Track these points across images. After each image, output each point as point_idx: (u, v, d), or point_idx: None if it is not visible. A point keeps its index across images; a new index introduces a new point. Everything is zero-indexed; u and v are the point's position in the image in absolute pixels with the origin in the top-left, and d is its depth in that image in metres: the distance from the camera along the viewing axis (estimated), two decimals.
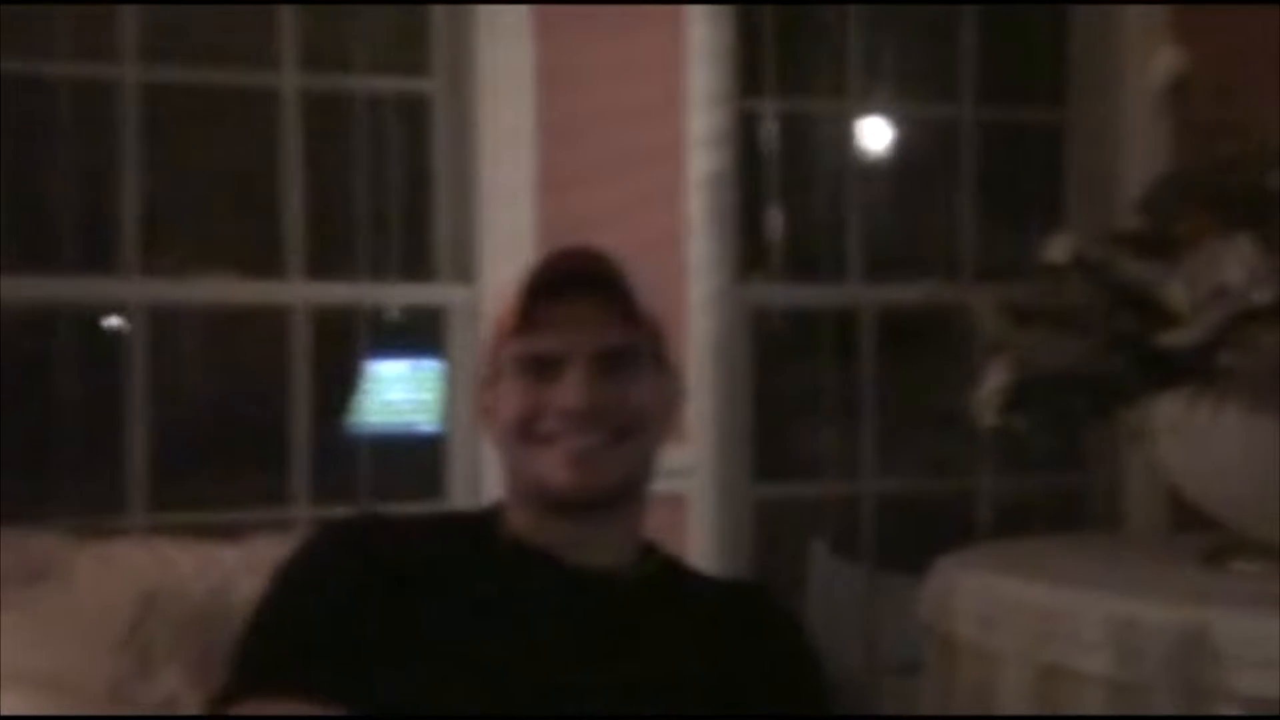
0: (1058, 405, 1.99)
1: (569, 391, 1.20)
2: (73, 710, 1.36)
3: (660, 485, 1.32)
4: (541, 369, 1.22)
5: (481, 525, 1.32)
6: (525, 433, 1.22)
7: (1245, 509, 1.84)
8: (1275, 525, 1.81)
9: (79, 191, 2.12)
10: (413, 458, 2.49)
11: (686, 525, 2.27)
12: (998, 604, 1.78)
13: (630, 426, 1.23)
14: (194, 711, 1.39)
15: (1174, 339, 1.82)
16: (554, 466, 1.21)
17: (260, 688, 1.10)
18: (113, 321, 2.13)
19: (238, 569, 1.55)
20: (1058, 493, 2.76)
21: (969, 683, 1.84)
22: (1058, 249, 2.00)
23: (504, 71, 2.18)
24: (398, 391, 2.61)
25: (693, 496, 2.28)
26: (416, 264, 2.30)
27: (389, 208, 2.29)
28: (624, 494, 1.26)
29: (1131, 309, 1.91)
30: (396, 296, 2.27)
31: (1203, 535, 1.95)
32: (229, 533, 1.67)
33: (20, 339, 2.15)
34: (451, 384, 2.29)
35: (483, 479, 2.18)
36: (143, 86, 2.12)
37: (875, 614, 2.59)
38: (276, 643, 1.15)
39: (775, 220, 2.53)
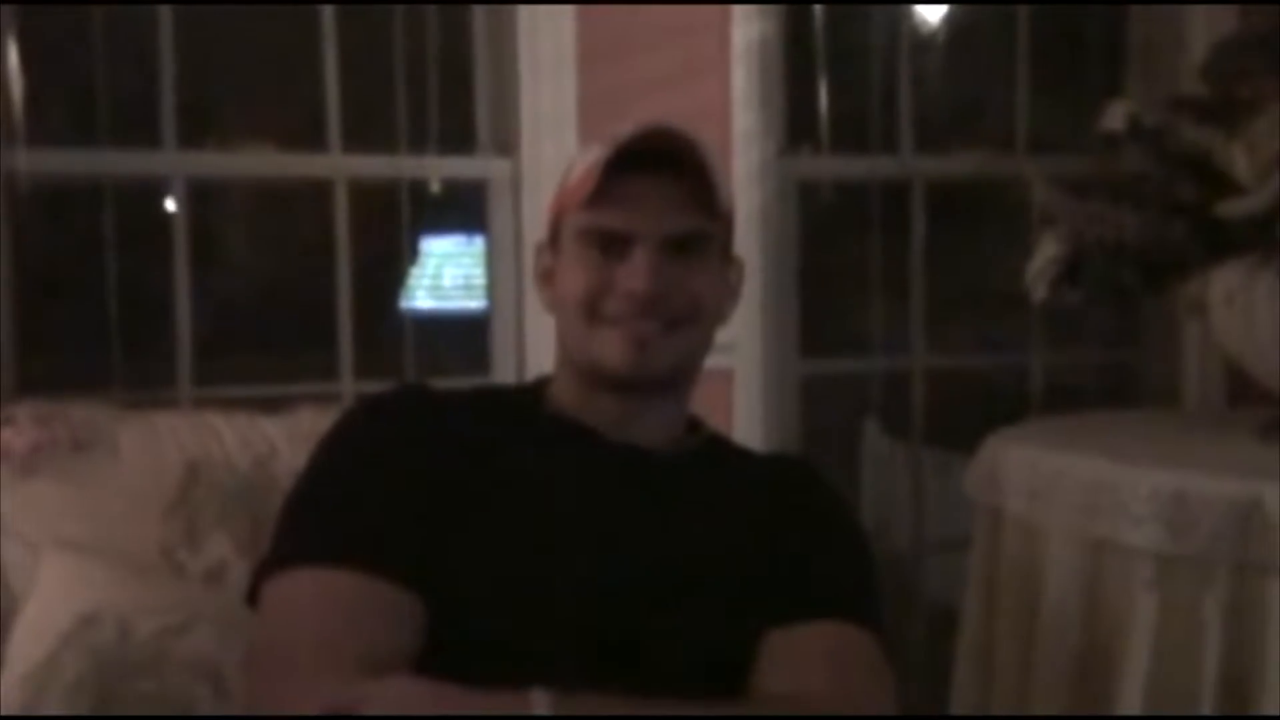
0: (1112, 278, 1.95)
1: (636, 274, 1.18)
2: (126, 573, 1.39)
3: (707, 360, 1.31)
4: (608, 245, 1.20)
5: (525, 399, 1.32)
6: (589, 312, 1.21)
7: None
8: None
9: (119, 68, 2.10)
10: (459, 333, 2.49)
11: (734, 400, 2.26)
12: (1046, 478, 1.76)
13: (688, 315, 1.22)
14: (242, 577, 1.40)
15: (1234, 208, 1.77)
16: (612, 348, 1.20)
17: (302, 558, 1.09)
18: (169, 204, 2.12)
19: (281, 440, 1.57)
20: (1112, 369, 2.72)
21: (1015, 558, 1.84)
22: (1115, 116, 1.94)
23: None
24: (448, 268, 2.60)
25: (740, 372, 2.26)
26: (456, 137, 2.26)
27: (428, 81, 2.25)
28: (675, 378, 1.26)
29: (1190, 178, 1.86)
30: (437, 169, 2.24)
31: (1259, 410, 1.92)
32: (275, 407, 1.68)
33: (66, 215, 2.15)
34: (493, 258, 2.27)
35: (526, 355, 2.18)
36: None
37: (923, 491, 2.58)
38: (319, 513, 1.15)
39: (823, 91, 2.46)
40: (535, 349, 2.14)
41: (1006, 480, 1.84)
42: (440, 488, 1.16)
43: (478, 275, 2.46)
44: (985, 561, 1.92)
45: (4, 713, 1.26)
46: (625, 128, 1.19)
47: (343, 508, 1.14)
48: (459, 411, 1.27)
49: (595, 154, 1.20)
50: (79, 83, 2.09)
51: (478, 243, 2.45)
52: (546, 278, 1.29)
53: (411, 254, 2.43)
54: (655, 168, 1.19)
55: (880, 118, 2.53)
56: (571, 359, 1.27)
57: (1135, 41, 2.59)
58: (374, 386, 2.01)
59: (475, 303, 2.48)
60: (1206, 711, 1.56)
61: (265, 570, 1.11)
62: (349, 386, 2.16)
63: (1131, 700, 1.59)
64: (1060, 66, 2.63)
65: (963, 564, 2.03)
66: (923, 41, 2.62)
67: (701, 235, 1.23)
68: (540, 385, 1.33)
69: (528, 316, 2.17)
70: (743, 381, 2.27)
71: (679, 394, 1.30)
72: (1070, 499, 1.71)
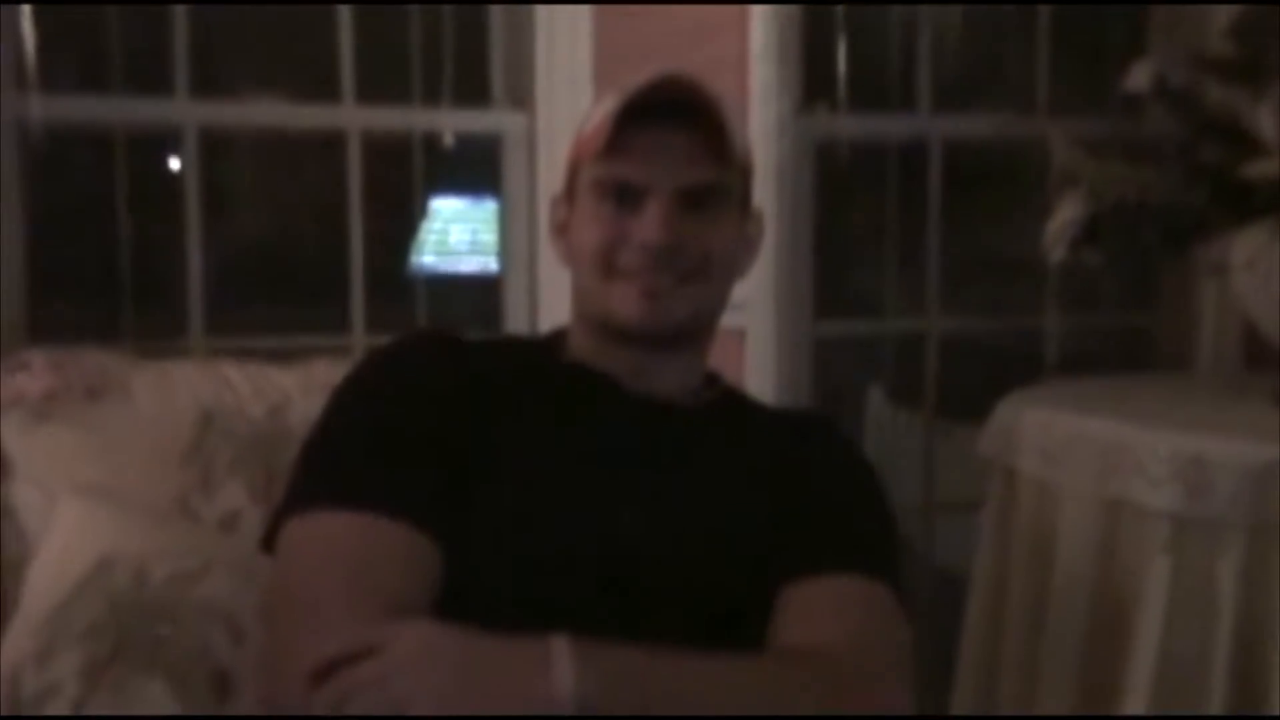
0: (1132, 239, 1.94)
1: (650, 226, 1.17)
2: (142, 518, 1.38)
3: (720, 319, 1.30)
4: (623, 196, 1.19)
5: (543, 349, 1.32)
6: (603, 264, 1.20)
7: None
8: None
9: (131, 16, 2.09)
10: (470, 292, 2.48)
11: (746, 360, 2.24)
12: (1062, 439, 1.76)
13: (703, 268, 1.21)
14: (257, 525, 1.40)
15: (1259, 170, 1.76)
16: (626, 302, 1.20)
17: (321, 502, 1.09)
18: (174, 163, 2.11)
19: (295, 390, 1.56)
20: (1127, 333, 2.70)
21: (1029, 518, 1.83)
22: (1140, 76, 1.92)
23: None
24: (457, 230, 2.58)
25: (753, 332, 2.25)
26: (471, 91, 2.24)
27: (443, 33, 2.23)
28: (690, 331, 1.25)
29: (1215, 139, 1.84)
30: (451, 122, 2.22)
31: (1275, 374, 1.90)
32: (286, 358, 1.67)
33: (78, 164, 2.14)
34: (507, 214, 2.25)
35: (539, 313, 2.16)
36: None
37: (934, 456, 2.57)
38: (338, 458, 1.14)
39: (842, 48, 2.43)
40: (548, 306, 2.12)
41: (1022, 441, 1.83)
42: (459, 433, 1.15)
43: (484, 236, 2.44)
44: (998, 522, 1.91)
45: (21, 654, 1.26)
46: (640, 77, 1.18)
47: (362, 452, 1.13)
48: (478, 357, 1.26)
49: (610, 104, 1.19)
50: (91, 31, 2.07)
51: (485, 204, 2.43)
52: (561, 230, 1.29)
53: (423, 209, 2.42)
54: (670, 118, 1.18)
55: (899, 76, 2.50)
56: (586, 312, 1.26)
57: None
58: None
59: (481, 263, 2.47)
60: (1219, 677, 1.56)
61: (283, 514, 1.10)
62: (360, 340, 2.14)
63: (1144, 664, 1.59)
64: (1082, 25, 2.60)
65: (968, 529, 2.02)
66: None
67: (717, 187, 1.22)
68: (557, 336, 1.33)
69: (541, 273, 2.15)
70: (755, 341, 2.26)
71: (695, 347, 1.29)
72: (1087, 460, 1.70)
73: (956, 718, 1.92)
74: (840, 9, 2.43)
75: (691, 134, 1.19)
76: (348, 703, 0.89)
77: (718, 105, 1.19)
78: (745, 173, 1.27)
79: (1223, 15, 2.04)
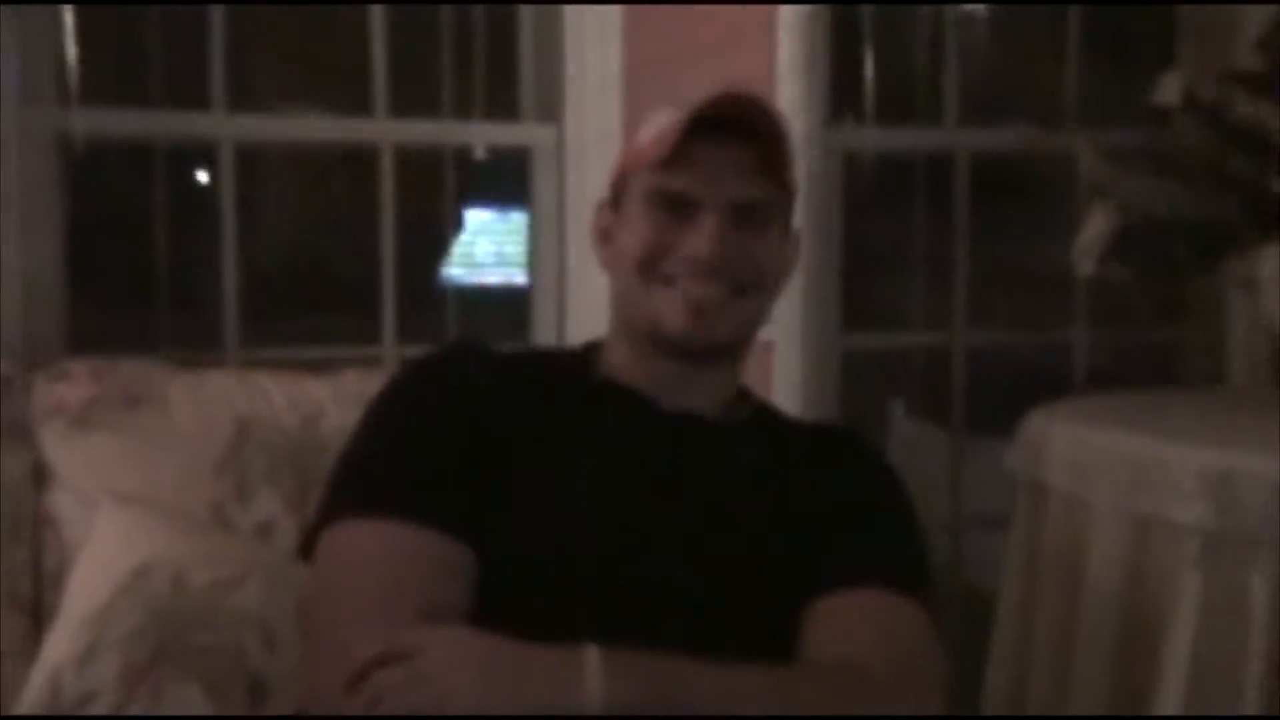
0: (1161, 253, 1.93)
1: (701, 239, 1.18)
2: (179, 526, 1.40)
3: None
4: (675, 207, 1.20)
5: (575, 362, 1.32)
6: (648, 270, 1.21)
7: None
8: None
9: (170, 32, 2.11)
10: (499, 305, 2.49)
11: (773, 373, 2.25)
12: (1091, 454, 1.75)
13: (751, 283, 1.22)
14: (291, 534, 1.42)
15: None
16: (672, 310, 1.20)
17: (360, 510, 1.10)
18: (202, 176, 2.13)
19: (328, 400, 1.58)
20: (1156, 347, 2.69)
21: (1058, 533, 1.83)
22: (1169, 89, 1.92)
23: None
24: (485, 243, 2.60)
25: (780, 344, 2.25)
26: (502, 104, 2.26)
27: (474, 47, 2.24)
28: (733, 346, 1.26)
29: (1245, 152, 1.84)
30: (481, 136, 2.23)
31: None
32: (318, 369, 1.68)
33: (117, 176, 2.16)
34: (536, 227, 2.27)
35: (568, 326, 2.17)
36: None
37: (960, 471, 2.56)
38: (377, 466, 1.15)
39: (869, 60, 2.44)
40: (577, 319, 2.13)
41: (1051, 455, 1.83)
42: (496, 445, 1.16)
43: (511, 249, 2.46)
44: (1026, 537, 1.91)
45: (61, 659, 1.28)
46: (703, 92, 1.17)
47: (398, 462, 1.14)
48: (514, 370, 1.27)
49: (670, 116, 1.20)
50: (131, 45, 2.09)
51: (513, 217, 2.44)
52: (605, 236, 1.29)
53: (455, 223, 2.43)
54: (730, 134, 1.18)
55: (926, 89, 2.50)
56: (628, 321, 1.26)
57: (1188, 13, 2.54)
58: (416, 352, 2.03)
59: (506, 275, 2.48)
60: (1252, 694, 1.55)
61: (321, 523, 1.12)
62: (391, 351, 2.16)
63: (1175, 680, 1.58)
64: (1111, 38, 2.59)
65: (994, 545, 2.01)
66: (970, 11, 2.59)
67: (769, 205, 1.22)
68: (591, 349, 1.33)
69: (570, 287, 2.16)
70: (783, 354, 2.26)
71: (734, 362, 1.29)
72: (1117, 475, 1.70)
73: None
74: (868, 20, 2.43)
75: (748, 150, 1.19)
76: (381, 706, 0.90)
77: (779, 124, 1.19)
78: (793, 193, 1.27)
79: (1252, 28, 2.04)
